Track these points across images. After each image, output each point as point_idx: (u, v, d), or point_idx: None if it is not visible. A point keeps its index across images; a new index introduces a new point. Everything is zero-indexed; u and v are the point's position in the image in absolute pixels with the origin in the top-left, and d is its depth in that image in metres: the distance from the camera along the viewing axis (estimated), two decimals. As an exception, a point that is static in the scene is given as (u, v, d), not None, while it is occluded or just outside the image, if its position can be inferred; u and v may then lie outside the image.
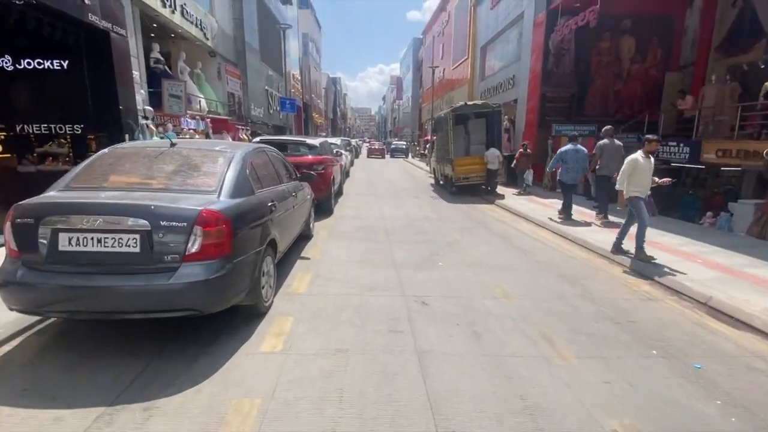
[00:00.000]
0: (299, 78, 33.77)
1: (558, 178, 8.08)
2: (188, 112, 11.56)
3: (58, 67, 7.76)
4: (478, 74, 20.95)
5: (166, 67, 11.59)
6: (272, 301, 3.73)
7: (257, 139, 8.09)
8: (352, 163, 21.88)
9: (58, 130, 8.38)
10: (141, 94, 9.42)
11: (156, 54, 11.37)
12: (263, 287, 3.45)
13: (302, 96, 35.40)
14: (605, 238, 6.44)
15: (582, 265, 5.35)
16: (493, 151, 11.14)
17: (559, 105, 13.31)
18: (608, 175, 7.36)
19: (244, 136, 15.25)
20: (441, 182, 13.92)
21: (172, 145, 3.53)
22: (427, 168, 22.47)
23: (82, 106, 8.10)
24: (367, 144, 49.27)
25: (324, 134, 44.86)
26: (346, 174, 15.77)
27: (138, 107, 9.05)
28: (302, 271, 4.74)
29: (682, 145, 10.88)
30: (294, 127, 30.76)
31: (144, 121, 8.48)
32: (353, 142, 32.09)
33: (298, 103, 32.96)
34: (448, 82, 28.35)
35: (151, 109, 8.98)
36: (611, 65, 13.21)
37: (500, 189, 11.91)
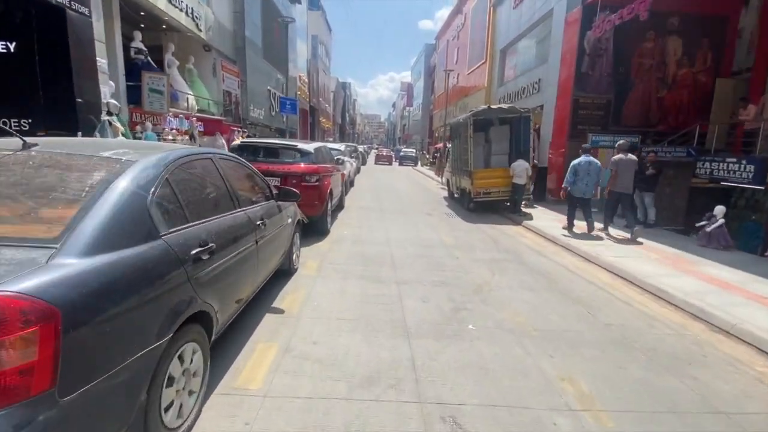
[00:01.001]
0: (306, 80, 32.55)
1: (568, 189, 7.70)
2: (171, 109, 10.17)
3: (3, 50, 6.35)
4: (497, 79, 19.43)
5: (149, 59, 10.26)
6: (196, 414, 2.19)
7: (237, 142, 6.63)
8: (358, 171, 20.44)
9: (2, 125, 6.91)
10: (110, 86, 8.04)
11: (138, 43, 10.04)
12: (168, 409, 1.91)
13: (309, 99, 34.17)
14: (684, 285, 4.81)
15: (676, 336, 3.72)
16: (521, 163, 9.55)
17: (593, 112, 11.71)
18: (624, 192, 7.19)
19: (239, 138, 13.89)
20: (456, 195, 12.36)
21: (26, 146, 2.03)
22: (438, 178, 20.96)
23: (31, 98, 6.70)
24: (376, 150, 48.09)
25: (331, 139, 43.63)
26: (350, 184, 14.28)
27: (104, 100, 7.67)
28: (267, 337, 3.19)
29: (744, 162, 9.19)
30: (300, 131, 29.45)
31: (107, 118, 7.07)
32: (360, 148, 30.68)
33: (303, 106, 31.73)
34: (462, 88, 26.89)
35: (116, 103, 7.58)
36: (654, 69, 11.60)
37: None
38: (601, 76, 11.54)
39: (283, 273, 4.58)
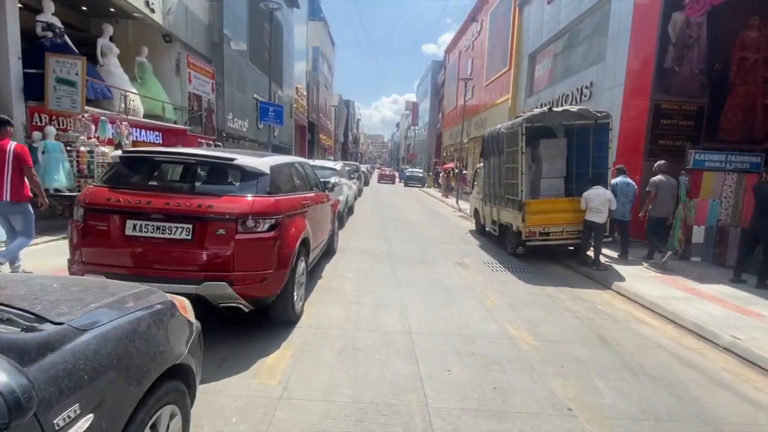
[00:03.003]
0: (305, 93, 29.90)
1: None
2: (91, 109, 7.14)
3: None
4: (524, 88, 16.52)
5: (66, 39, 7.29)
6: None
7: (117, 153, 3.49)
8: (359, 194, 17.37)
9: None
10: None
11: (49, 16, 7.09)
12: None
13: (308, 114, 31.49)
14: None
15: None
16: (602, 193, 6.38)
17: (679, 122, 8.60)
18: (663, 217, 6.92)
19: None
20: (489, 230, 9.18)
21: None
22: (448, 200, 17.78)
23: None
24: (379, 170, 45.60)
25: (332, 157, 40.89)
26: (348, 211, 11.12)
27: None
28: None
29: None
30: (296, 148, 26.56)
31: None
32: (363, 168, 27.75)
33: (301, 121, 28.99)
34: (478, 102, 24.09)
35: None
36: (762, 65, 8.56)
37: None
38: (690, 74, 8.49)
39: None
